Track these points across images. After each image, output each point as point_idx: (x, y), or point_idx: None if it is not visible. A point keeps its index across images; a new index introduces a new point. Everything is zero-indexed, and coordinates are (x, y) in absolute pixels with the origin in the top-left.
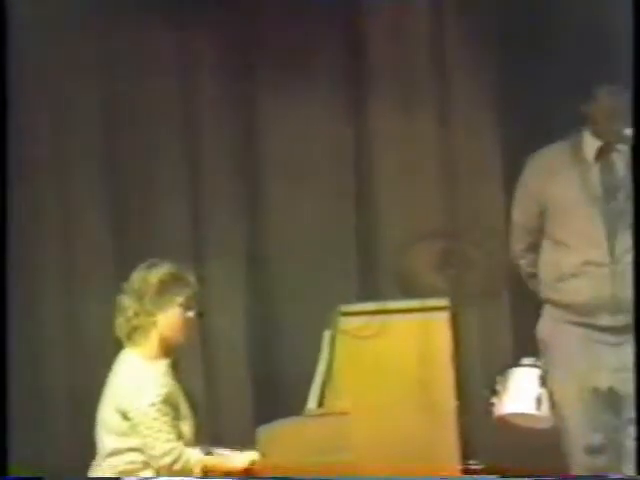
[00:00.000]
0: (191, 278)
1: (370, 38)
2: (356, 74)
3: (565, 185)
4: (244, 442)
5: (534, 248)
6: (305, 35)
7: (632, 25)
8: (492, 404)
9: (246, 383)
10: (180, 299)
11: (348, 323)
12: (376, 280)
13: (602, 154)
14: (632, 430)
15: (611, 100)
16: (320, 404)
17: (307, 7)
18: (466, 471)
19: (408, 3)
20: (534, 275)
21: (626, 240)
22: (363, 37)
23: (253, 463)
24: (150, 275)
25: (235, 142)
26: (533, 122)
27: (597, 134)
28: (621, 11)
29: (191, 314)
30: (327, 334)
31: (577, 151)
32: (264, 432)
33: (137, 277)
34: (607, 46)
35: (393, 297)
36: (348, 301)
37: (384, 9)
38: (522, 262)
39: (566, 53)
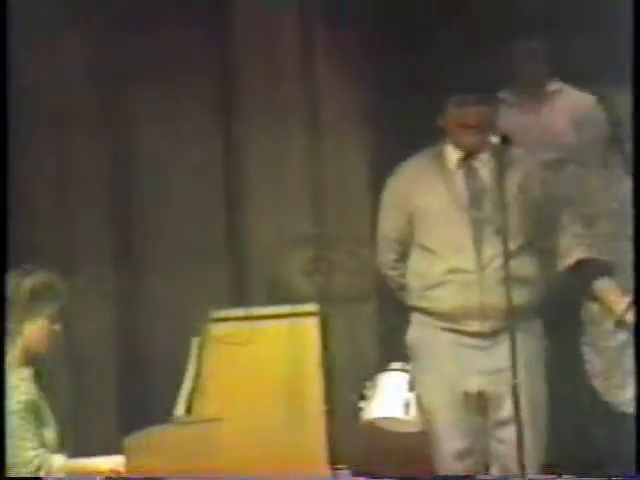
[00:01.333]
0: (61, 288)
1: (240, 49)
2: (226, 77)
3: (430, 194)
4: (111, 451)
5: (403, 258)
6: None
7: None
8: (360, 408)
9: (114, 390)
10: (49, 311)
11: (218, 329)
12: (246, 286)
13: (464, 163)
14: (500, 433)
15: (461, 111)
16: (188, 411)
17: (180, 18)
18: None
19: (277, 18)
20: (404, 286)
21: (493, 247)
22: (233, 48)
23: (119, 467)
24: (23, 283)
25: (107, 141)
26: (401, 131)
27: (456, 144)
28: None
29: (57, 327)
30: (196, 340)
31: (441, 160)
32: (131, 440)
33: (10, 283)
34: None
35: (263, 303)
36: (218, 307)
37: (254, 26)
38: (392, 273)
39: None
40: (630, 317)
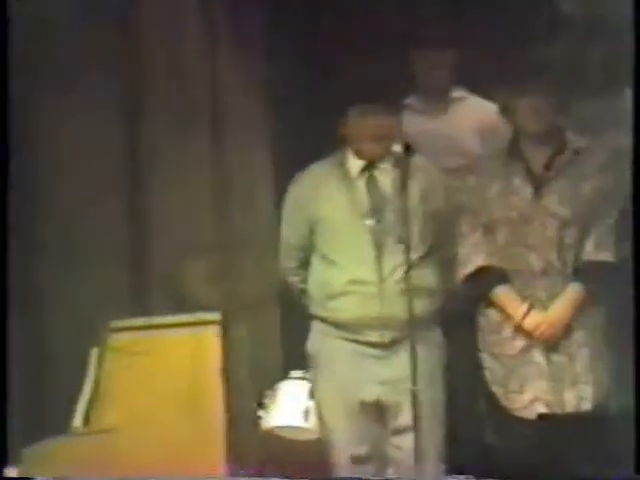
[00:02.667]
0: None
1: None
2: (132, 85)
3: (331, 202)
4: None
5: (305, 265)
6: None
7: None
8: (260, 417)
9: (11, 401)
10: None
11: (118, 339)
12: (148, 294)
13: (365, 172)
14: (398, 440)
15: (362, 120)
16: (86, 421)
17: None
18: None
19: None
20: (305, 293)
21: (394, 257)
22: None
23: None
24: None
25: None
26: (305, 140)
27: (357, 153)
28: None
29: None
30: (95, 350)
31: (342, 169)
32: (28, 452)
33: None
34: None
35: (165, 312)
36: (119, 317)
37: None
38: (294, 279)
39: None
40: (529, 323)
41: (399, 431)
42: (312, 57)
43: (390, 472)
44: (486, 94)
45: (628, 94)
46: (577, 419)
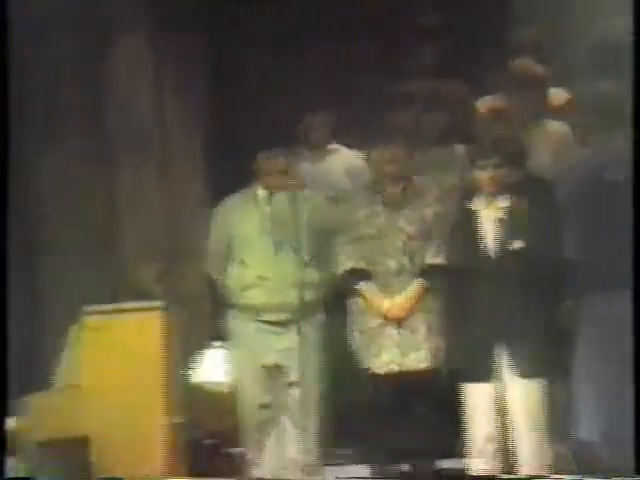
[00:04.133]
0: None
1: None
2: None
3: (245, 222)
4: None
5: (225, 268)
6: None
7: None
8: (190, 375)
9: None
10: None
11: (88, 320)
12: (114, 285)
13: (269, 199)
14: (290, 392)
15: (268, 161)
16: (65, 380)
17: None
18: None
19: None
20: (226, 288)
21: (290, 260)
22: None
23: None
24: None
25: None
26: (234, 173)
27: (264, 185)
28: None
29: None
30: (73, 328)
31: (253, 197)
32: (20, 403)
33: None
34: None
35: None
36: (91, 303)
37: None
38: (218, 278)
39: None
40: (385, 308)
41: (291, 385)
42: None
43: (286, 415)
44: (354, 146)
45: (458, 148)
46: (418, 374)
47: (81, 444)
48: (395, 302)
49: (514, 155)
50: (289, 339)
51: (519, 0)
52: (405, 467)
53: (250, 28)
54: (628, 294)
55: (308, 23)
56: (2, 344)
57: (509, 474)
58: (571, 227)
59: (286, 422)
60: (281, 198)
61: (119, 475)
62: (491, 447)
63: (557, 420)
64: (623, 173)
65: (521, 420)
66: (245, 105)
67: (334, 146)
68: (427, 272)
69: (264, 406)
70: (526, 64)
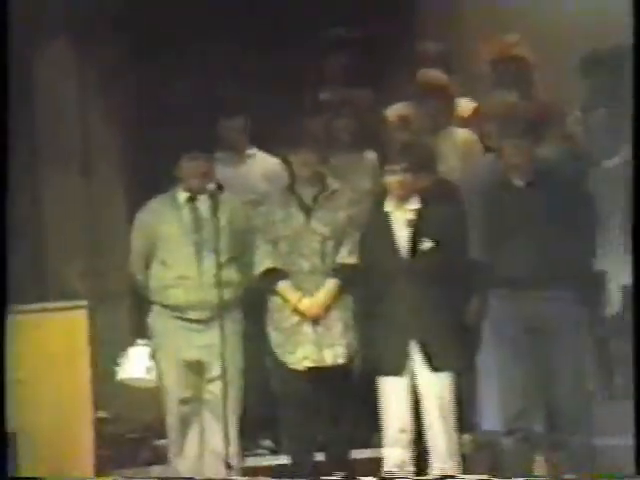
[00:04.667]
0: None
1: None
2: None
3: (166, 224)
4: None
5: (147, 267)
6: None
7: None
8: (116, 371)
9: None
10: None
11: (20, 317)
12: (44, 285)
13: (190, 202)
14: (210, 387)
15: (188, 165)
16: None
17: None
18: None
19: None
20: (148, 287)
21: (209, 260)
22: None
23: None
24: None
25: None
26: (156, 176)
27: (185, 189)
28: None
29: None
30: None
31: (174, 200)
32: None
33: None
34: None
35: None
36: (23, 301)
37: None
38: (140, 277)
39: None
40: (301, 306)
41: (211, 380)
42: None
43: (207, 409)
44: (271, 151)
45: (369, 154)
46: (334, 370)
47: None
48: (311, 300)
49: (423, 160)
50: (209, 336)
51: (425, 13)
52: (321, 457)
53: (171, 31)
54: (532, 292)
55: (227, 29)
56: None
57: (421, 463)
58: (477, 228)
59: (207, 415)
60: (202, 201)
61: (41, 474)
62: (405, 437)
63: (464, 411)
64: (526, 178)
65: (432, 411)
66: (166, 109)
67: (252, 151)
68: (341, 271)
69: (186, 400)
70: (432, 74)
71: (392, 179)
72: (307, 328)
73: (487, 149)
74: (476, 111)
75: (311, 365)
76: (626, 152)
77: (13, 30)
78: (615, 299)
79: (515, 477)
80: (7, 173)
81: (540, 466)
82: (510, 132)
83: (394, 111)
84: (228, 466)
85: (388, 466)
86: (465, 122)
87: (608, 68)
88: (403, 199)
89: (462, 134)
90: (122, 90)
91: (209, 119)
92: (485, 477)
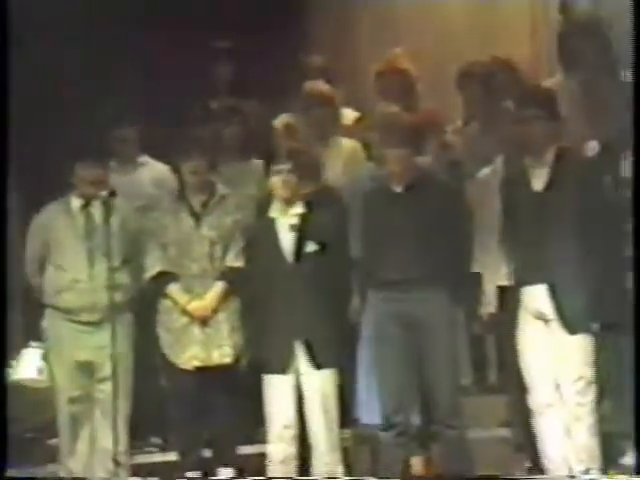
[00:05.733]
0: None
1: None
2: None
3: (61, 229)
4: None
5: (42, 271)
6: None
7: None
8: (10, 373)
9: None
10: None
11: None
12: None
13: (84, 208)
14: (101, 386)
15: (82, 172)
16: None
17: None
18: None
19: None
20: (42, 290)
21: (101, 265)
22: None
23: None
24: None
25: None
26: (49, 183)
27: (79, 195)
28: None
29: None
30: None
31: (68, 206)
32: None
33: None
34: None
35: None
36: None
37: None
38: (34, 281)
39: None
40: (190, 308)
41: (102, 380)
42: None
43: (98, 408)
44: (162, 159)
45: (256, 161)
46: (221, 369)
47: None
48: (200, 303)
49: (308, 167)
50: (100, 337)
51: (313, 27)
52: (209, 453)
53: (58, 42)
54: (409, 293)
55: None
56: None
57: (305, 458)
58: (359, 232)
59: (98, 414)
60: (95, 207)
61: None
62: (288, 433)
63: (346, 406)
64: (405, 184)
65: (315, 407)
66: (58, 119)
67: (143, 159)
68: (228, 275)
69: (75, 399)
70: (317, 86)
71: (277, 179)
72: (195, 329)
73: (370, 157)
74: (359, 121)
75: (199, 365)
76: (499, 161)
77: None
78: (490, 299)
79: (393, 470)
80: None
81: (417, 459)
82: (390, 141)
83: (281, 120)
84: (117, 463)
85: (272, 461)
86: (349, 131)
87: (481, 81)
88: (288, 202)
89: (346, 143)
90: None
91: (102, 128)
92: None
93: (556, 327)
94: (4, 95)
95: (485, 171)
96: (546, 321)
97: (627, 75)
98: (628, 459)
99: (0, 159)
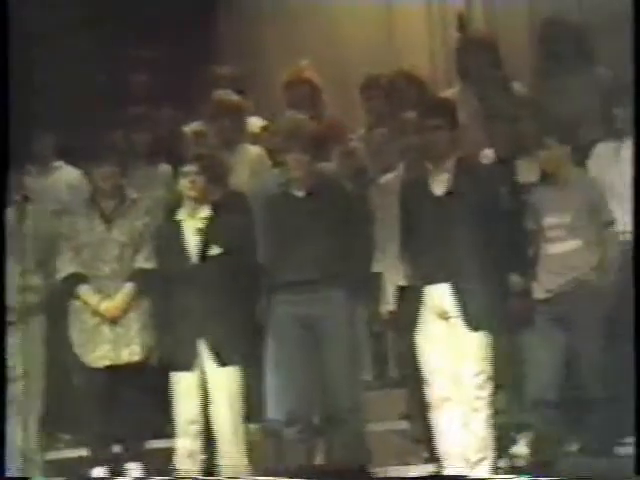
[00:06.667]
0: None
1: None
2: None
3: None
4: None
5: None
6: None
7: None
8: None
9: None
10: None
11: None
12: None
13: None
14: (13, 387)
15: None
16: None
17: None
18: None
19: None
20: None
21: (14, 267)
22: None
23: None
24: None
25: None
26: None
27: None
28: None
29: None
30: None
31: None
32: None
33: None
34: None
35: None
36: None
37: None
38: None
39: None
40: (101, 308)
41: (14, 381)
42: None
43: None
44: (75, 164)
45: (165, 167)
46: (130, 367)
47: None
48: (110, 303)
49: (215, 172)
50: (13, 338)
51: (224, 38)
52: (117, 448)
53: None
54: (311, 293)
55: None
56: None
57: (210, 453)
58: (263, 236)
59: (11, 413)
60: (9, 211)
61: None
62: (194, 428)
63: (251, 403)
64: (306, 189)
65: (221, 403)
66: None
67: (58, 163)
68: (138, 276)
69: None
70: (225, 95)
71: (185, 181)
72: (106, 329)
73: (275, 163)
74: (266, 128)
75: (109, 363)
76: (401, 167)
77: None
78: (390, 298)
79: (297, 463)
80: None
81: (319, 452)
82: (293, 147)
83: (191, 127)
84: (28, 460)
85: (179, 455)
86: (256, 138)
87: (385, 92)
88: (196, 204)
89: (252, 150)
90: None
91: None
92: None
93: (457, 324)
94: None
95: (388, 177)
96: (447, 318)
97: (518, 88)
98: (518, 448)
99: None
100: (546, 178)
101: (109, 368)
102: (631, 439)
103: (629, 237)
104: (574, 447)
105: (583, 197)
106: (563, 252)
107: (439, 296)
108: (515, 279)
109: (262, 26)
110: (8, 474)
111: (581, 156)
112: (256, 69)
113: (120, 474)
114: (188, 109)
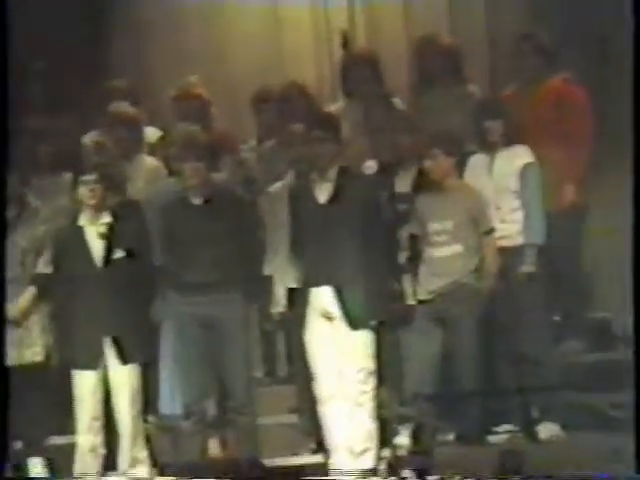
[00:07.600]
0: None
1: None
2: None
3: None
4: None
5: None
6: None
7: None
8: None
9: None
10: None
11: None
12: None
13: None
14: None
15: None
16: None
17: None
18: None
19: None
20: None
21: None
22: None
23: None
24: None
25: None
26: None
27: None
28: None
29: None
30: None
31: None
32: None
33: None
34: None
35: None
36: None
37: None
38: None
39: None
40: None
41: None
42: None
43: None
44: None
45: (67, 175)
46: (35, 366)
47: None
48: (12, 307)
49: (114, 180)
50: None
51: (117, 50)
52: (19, 445)
53: None
54: (206, 294)
55: None
56: None
57: (110, 446)
58: (160, 240)
59: None
60: None
61: None
62: (96, 424)
63: (150, 398)
64: (202, 197)
65: (122, 399)
66: None
67: None
68: (38, 280)
69: None
70: (121, 107)
71: (84, 189)
72: (10, 331)
73: (171, 172)
74: (162, 139)
75: (13, 364)
76: (289, 177)
77: None
78: (280, 299)
79: (192, 454)
80: None
81: (214, 445)
82: (188, 156)
83: (90, 137)
84: None
85: (82, 450)
86: (152, 148)
87: (276, 105)
88: (96, 210)
89: (149, 160)
90: None
91: None
92: None
93: (340, 324)
94: None
95: (277, 185)
96: (331, 319)
97: (398, 103)
98: (400, 439)
99: None
100: (431, 187)
101: (12, 368)
102: (501, 428)
103: (505, 243)
104: (450, 437)
105: (465, 206)
106: (445, 256)
107: (323, 298)
108: (393, 282)
109: (155, 41)
110: None
111: (459, 167)
112: (150, 83)
113: (24, 470)
114: (89, 119)
